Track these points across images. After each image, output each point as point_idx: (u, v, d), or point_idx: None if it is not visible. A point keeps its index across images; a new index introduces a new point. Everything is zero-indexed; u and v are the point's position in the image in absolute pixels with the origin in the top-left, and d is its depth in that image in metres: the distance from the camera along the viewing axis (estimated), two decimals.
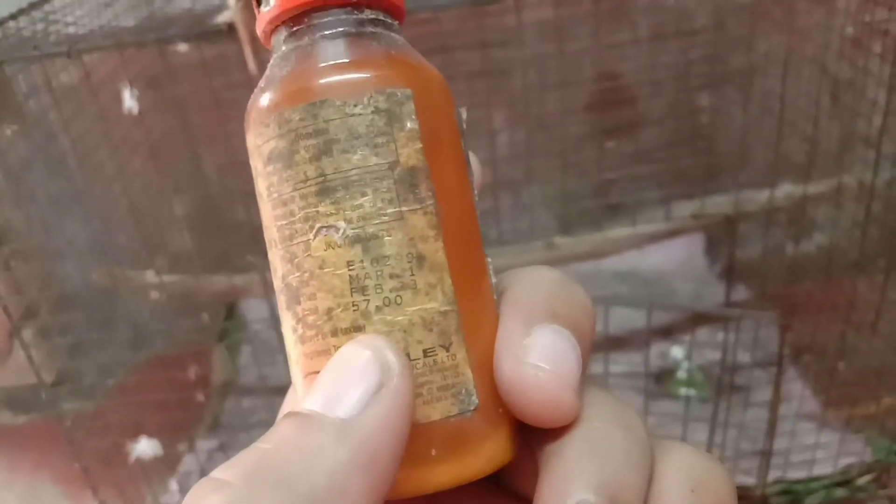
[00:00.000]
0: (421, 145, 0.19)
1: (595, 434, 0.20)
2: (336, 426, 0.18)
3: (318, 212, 0.18)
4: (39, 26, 0.90)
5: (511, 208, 1.34)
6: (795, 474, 0.95)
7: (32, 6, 0.91)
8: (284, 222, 0.19)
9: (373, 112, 0.18)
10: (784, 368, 0.85)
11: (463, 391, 0.19)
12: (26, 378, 1.05)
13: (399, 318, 0.18)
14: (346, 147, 0.18)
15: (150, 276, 1.05)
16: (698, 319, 1.15)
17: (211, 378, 1.21)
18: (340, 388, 0.18)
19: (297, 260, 0.19)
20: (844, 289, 1.06)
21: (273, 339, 1.17)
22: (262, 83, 0.21)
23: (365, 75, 0.19)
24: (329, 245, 0.18)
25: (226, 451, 1.10)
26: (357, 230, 0.18)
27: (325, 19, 0.20)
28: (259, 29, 0.21)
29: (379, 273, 0.18)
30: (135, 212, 1.05)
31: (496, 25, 1.27)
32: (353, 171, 0.17)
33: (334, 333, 0.18)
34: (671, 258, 1.36)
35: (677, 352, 1.16)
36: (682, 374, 1.13)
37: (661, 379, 1.13)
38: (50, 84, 0.76)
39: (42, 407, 1.10)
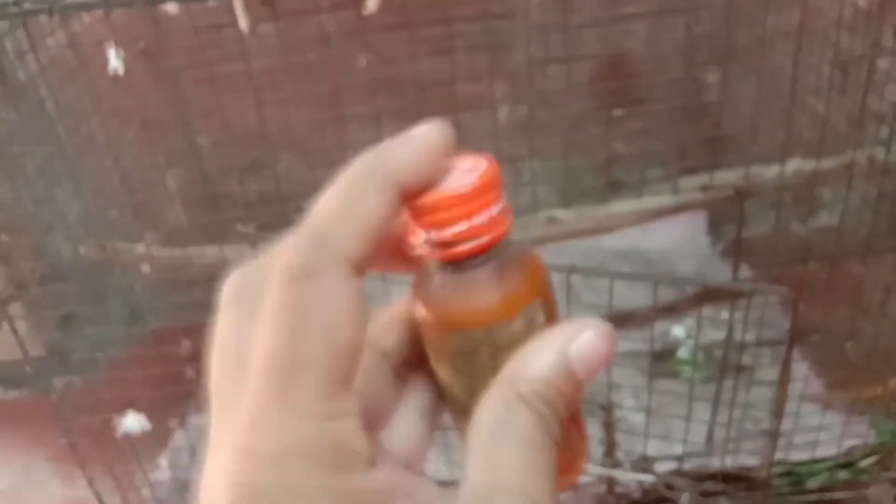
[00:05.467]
0: (544, 318, 0.25)
1: None
2: None
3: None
4: None
5: (512, 184, 1.32)
6: (798, 456, 0.93)
7: None
8: (464, 382, 0.25)
9: (524, 320, 0.24)
10: (793, 346, 0.83)
11: None
12: (16, 353, 1.03)
13: None
14: (510, 344, 0.24)
15: (141, 248, 1.03)
16: (703, 297, 1.13)
17: (203, 353, 1.19)
18: None
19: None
20: (853, 269, 1.04)
21: None
22: (439, 290, 0.25)
23: (521, 303, 0.24)
24: None
25: None
26: None
27: (490, 256, 0.24)
28: (433, 251, 0.24)
29: None
30: (127, 184, 1.03)
31: None
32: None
33: None
34: (673, 237, 1.34)
35: (680, 330, 1.13)
36: (684, 352, 1.11)
37: (664, 358, 1.11)
38: (34, 48, 0.73)
39: (31, 382, 1.08)
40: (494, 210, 0.24)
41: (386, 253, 0.25)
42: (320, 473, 0.21)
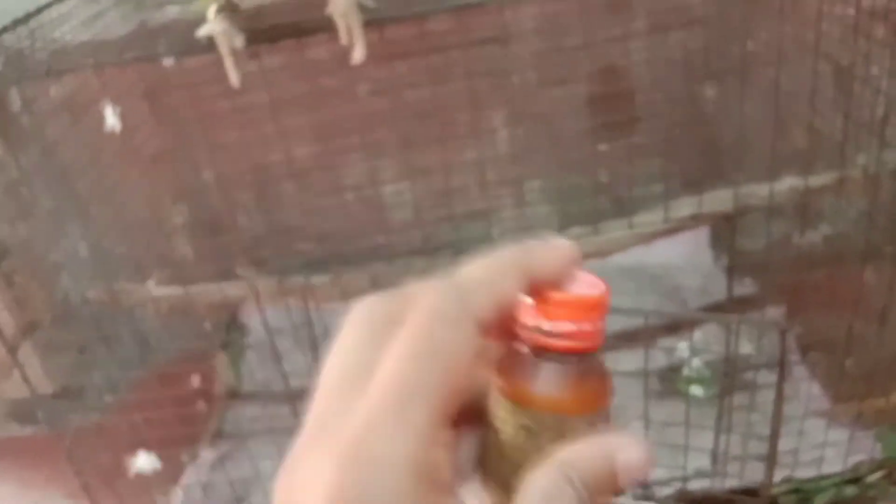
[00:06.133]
0: (603, 425, 0.28)
1: None
2: None
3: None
4: (26, 43, 0.90)
5: (511, 206, 1.33)
6: (804, 473, 0.93)
7: (17, 22, 0.90)
8: (515, 455, 0.28)
9: (588, 421, 0.27)
10: (789, 369, 0.83)
11: None
12: (32, 390, 1.05)
13: None
14: (569, 436, 0.27)
15: (149, 287, 1.05)
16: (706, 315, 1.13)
17: (214, 387, 1.21)
18: None
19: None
20: (851, 280, 1.04)
21: (278, 346, 1.16)
22: (530, 369, 0.28)
23: (592, 406, 0.28)
24: None
25: (229, 460, 1.10)
26: None
27: (583, 360, 0.28)
28: (540, 337, 0.27)
29: None
30: (133, 225, 1.05)
31: (491, 23, 1.26)
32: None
33: None
34: (677, 252, 1.34)
35: (683, 349, 1.14)
36: (688, 371, 1.11)
37: (667, 376, 1.11)
38: (31, 104, 0.76)
39: (45, 419, 1.10)
40: (599, 324, 0.28)
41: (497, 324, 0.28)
42: (422, 489, 0.24)
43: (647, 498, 0.89)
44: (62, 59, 0.80)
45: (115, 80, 0.93)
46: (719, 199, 1.06)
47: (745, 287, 1.25)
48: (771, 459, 0.83)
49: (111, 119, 0.74)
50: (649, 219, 1.07)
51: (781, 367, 0.77)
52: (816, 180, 1.04)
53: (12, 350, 0.98)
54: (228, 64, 0.71)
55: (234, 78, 0.71)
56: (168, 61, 0.74)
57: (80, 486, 0.98)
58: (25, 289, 1.12)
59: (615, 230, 1.13)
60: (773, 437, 0.81)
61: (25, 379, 0.88)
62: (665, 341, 1.16)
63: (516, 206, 1.30)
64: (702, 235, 1.36)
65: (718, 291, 1.27)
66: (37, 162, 1.03)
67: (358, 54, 0.77)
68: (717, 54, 1.28)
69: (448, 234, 1.36)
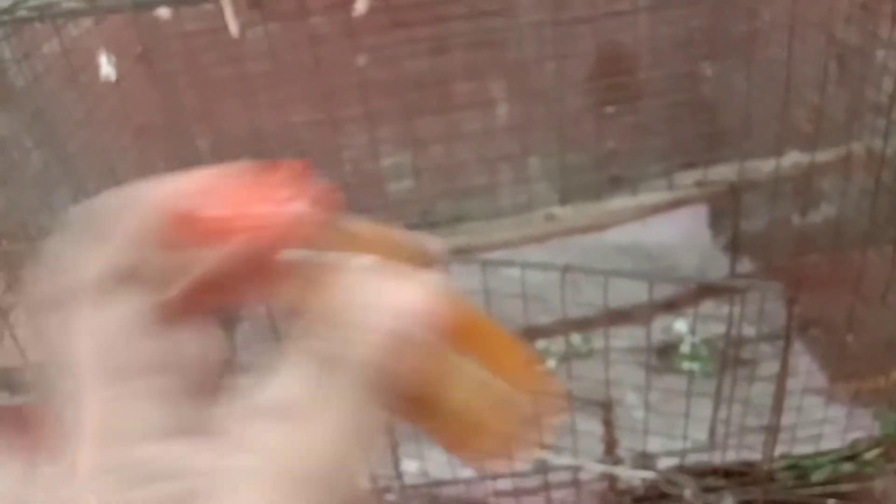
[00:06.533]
0: None
1: None
2: None
3: None
4: None
5: (510, 181, 1.32)
6: (802, 449, 0.93)
7: None
8: None
9: None
10: (791, 342, 0.83)
11: None
12: (21, 358, 1.03)
13: None
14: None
15: None
16: (703, 292, 1.13)
17: None
18: None
19: None
20: (853, 260, 1.03)
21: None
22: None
23: None
24: None
25: None
26: None
27: None
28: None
29: None
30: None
31: None
32: None
33: None
34: (674, 231, 1.33)
35: (681, 325, 1.13)
36: (685, 348, 1.11)
37: (665, 353, 1.11)
38: (28, 55, 0.73)
39: (35, 388, 1.08)
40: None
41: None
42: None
43: (645, 468, 0.89)
44: (55, 7, 0.78)
45: (111, 40, 0.90)
46: (723, 173, 1.05)
47: (744, 267, 1.24)
48: (772, 433, 0.83)
49: (106, 68, 0.71)
50: (652, 191, 1.06)
51: (787, 336, 0.77)
52: (821, 156, 1.03)
53: (3, 314, 0.96)
54: (228, 12, 0.68)
55: (233, 27, 0.69)
56: (164, 12, 0.72)
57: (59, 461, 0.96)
58: (13, 253, 1.09)
59: (615, 203, 1.12)
60: (776, 409, 0.81)
61: (19, 347, 0.86)
62: (663, 319, 1.15)
63: (516, 181, 1.29)
64: (700, 214, 1.35)
65: (717, 271, 1.27)
66: (28, 121, 1.01)
67: (361, 5, 0.75)
68: (721, 32, 1.26)
69: (448, 209, 1.34)
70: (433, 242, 0.28)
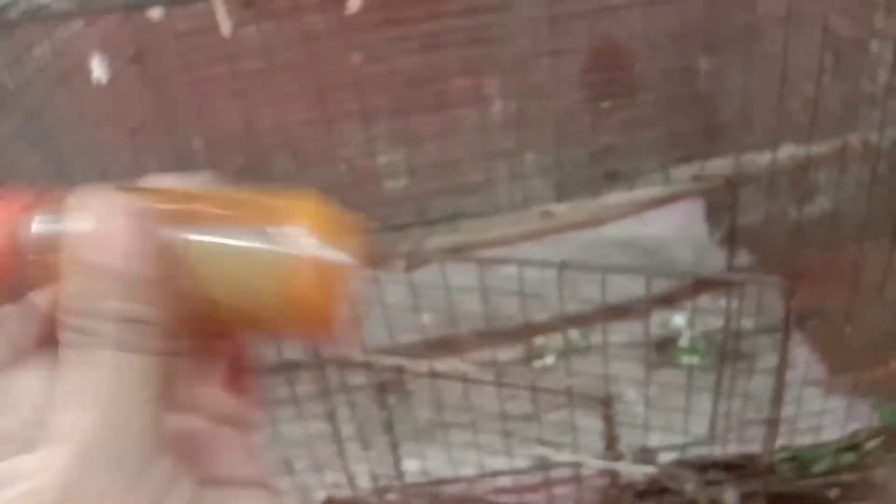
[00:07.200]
0: None
1: None
2: None
3: None
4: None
5: (505, 178, 1.31)
6: (802, 441, 0.93)
7: None
8: None
9: None
10: (789, 334, 0.83)
11: None
12: None
13: None
14: None
15: None
16: (700, 287, 1.13)
17: None
18: None
19: None
20: (849, 252, 1.03)
21: None
22: None
23: None
24: None
25: None
26: None
27: None
28: None
29: None
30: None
31: None
32: None
33: None
34: (671, 226, 1.33)
35: (679, 320, 1.13)
36: (684, 342, 1.10)
37: (663, 348, 1.10)
38: (19, 58, 0.73)
39: None
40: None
41: None
42: None
43: (646, 462, 0.89)
44: (46, 10, 0.77)
45: (104, 41, 0.90)
46: (719, 167, 1.05)
47: (741, 260, 1.24)
48: (772, 425, 0.83)
49: (98, 70, 0.71)
50: (648, 186, 1.06)
51: (786, 328, 0.77)
52: (817, 149, 1.03)
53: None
54: (219, 11, 0.68)
55: (224, 26, 0.69)
56: (156, 13, 0.71)
57: None
58: None
59: (611, 198, 1.11)
60: (776, 402, 0.81)
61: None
62: (660, 314, 1.15)
63: (512, 178, 1.29)
64: (696, 209, 1.35)
65: (713, 265, 1.27)
66: (20, 123, 1.00)
67: (354, 2, 0.74)
68: (716, 26, 1.26)
69: (444, 206, 1.34)
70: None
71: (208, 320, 0.24)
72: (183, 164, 1.28)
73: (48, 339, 0.25)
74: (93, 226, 0.23)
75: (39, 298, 0.25)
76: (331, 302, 0.23)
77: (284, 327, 0.24)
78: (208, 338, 0.25)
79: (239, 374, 0.27)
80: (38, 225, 0.25)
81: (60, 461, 0.22)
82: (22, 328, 0.26)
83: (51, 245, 0.24)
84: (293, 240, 0.23)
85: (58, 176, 1.05)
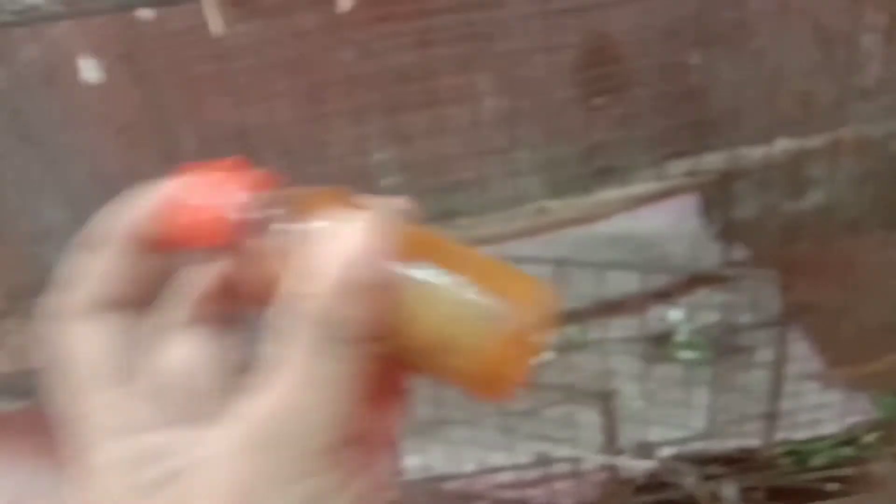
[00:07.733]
0: None
1: None
2: None
3: None
4: None
5: (499, 175, 1.31)
6: (801, 435, 0.93)
7: None
8: None
9: None
10: (786, 328, 0.83)
11: None
12: (20, 364, 1.02)
13: None
14: None
15: None
16: (696, 281, 1.13)
17: None
18: None
19: None
20: (843, 246, 1.03)
21: None
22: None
23: None
24: None
25: None
26: None
27: None
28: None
29: None
30: (109, 189, 1.01)
31: None
32: None
33: None
34: (665, 220, 1.33)
35: (676, 315, 1.13)
36: (681, 336, 1.10)
37: (661, 342, 1.10)
38: (5, 60, 0.72)
39: (34, 393, 1.06)
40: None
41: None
42: None
43: (646, 457, 0.89)
44: (35, 11, 0.76)
45: (93, 42, 0.89)
46: (713, 162, 1.05)
47: (737, 254, 1.24)
48: (771, 419, 0.83)
49: (87, 70, 0.70)
50: (642, 181, 1.06)
51: (782, 322, 0.77)
52: (810, 143, 1.03)
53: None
54: (209, 10, 0.67)
55: (214, 25, 0.68)
56: (146, 13, 0.70)
57: (70, 458, 0.95)
58: (6, 259, 1.08)
59: (605, 194, 1.11)
60: (774, 396, 0.81)
61: (13, 354, 0.84)
62: (657, 309, 1.15)
63: (505, 175, 1.28)
64: (691, 203, 1.35)
65: (709, 259, 1.27)
66: (7, 123, 0.99)
67: (344, 1, 0.73)
68: (708, 21, 1.26)
69: (436, 204, 1.33)
70: (398, 202, 0.28)
71: (398, 351, 0.25)
72: (173, 162, 1.27)
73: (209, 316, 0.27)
74: (346, 239, 0.24)
75: (209, 274, 0.27)
76: (518, 378, 0.25)
77: (464, 382, 0.25)
78: (385, 362, 0.26)
79: (388, 395, 0.28)
80: (271, 212, 0.26)
81: (237, 442, 0.23)
82: (200, 297, 0.27)
83: (279, 237, 0.25)
84: (511, 314, 0.25)
85: (49, 176, 1.04)
